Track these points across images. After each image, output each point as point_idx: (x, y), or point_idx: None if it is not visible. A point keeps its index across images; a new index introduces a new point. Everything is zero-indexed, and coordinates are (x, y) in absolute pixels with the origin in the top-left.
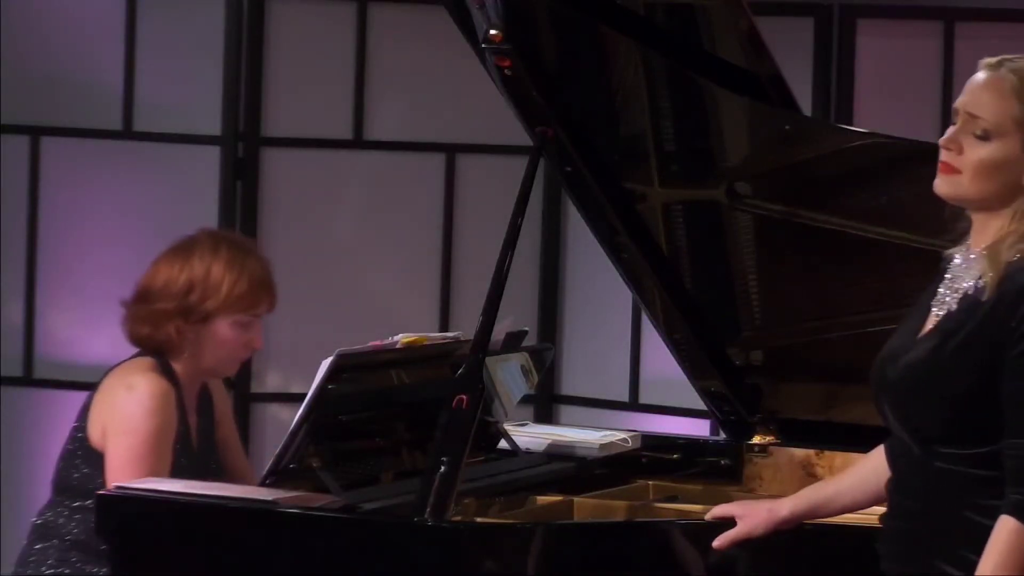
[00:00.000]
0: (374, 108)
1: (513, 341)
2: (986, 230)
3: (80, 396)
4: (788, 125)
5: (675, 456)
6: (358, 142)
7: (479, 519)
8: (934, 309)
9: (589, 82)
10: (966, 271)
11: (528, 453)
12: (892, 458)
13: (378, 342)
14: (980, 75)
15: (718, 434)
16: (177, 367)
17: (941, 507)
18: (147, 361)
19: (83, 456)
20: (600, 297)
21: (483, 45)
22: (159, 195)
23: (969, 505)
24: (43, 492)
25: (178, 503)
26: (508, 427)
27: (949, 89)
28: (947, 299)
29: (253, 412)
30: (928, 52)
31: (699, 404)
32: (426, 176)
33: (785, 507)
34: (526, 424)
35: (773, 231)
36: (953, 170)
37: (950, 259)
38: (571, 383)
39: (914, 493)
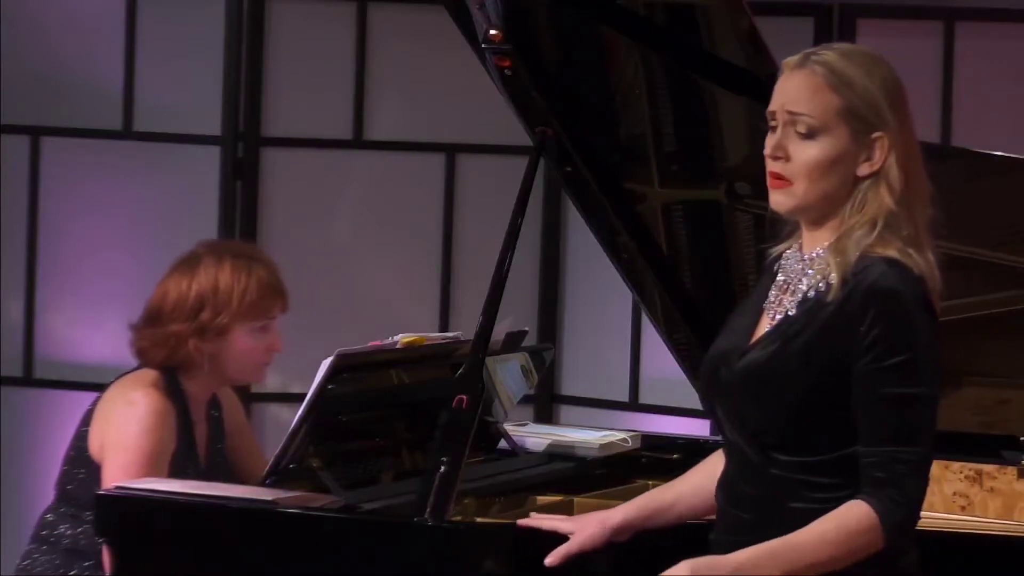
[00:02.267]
0: (374, 108)
1: (513, 341)
2: (821, 229)
3: (80, 396)
4: None
5: (675, 456)
6: (358, 142)
7: (479, 519)
8: (769, 311)
9: (589, 82)
10: (803, 272)
11: (528, 453)
12: (724, 466)
13: (378, 342)
14: (788, 75)
15: (718, 434)
16: (188, 381)
17: (777, 516)
18: (151, 375)
19: (82, 464)
20: (600, 297)
21: (483, 45)
22: (159, 195)
23: (806, 513)
24: (43, 492)
25: (178, 503)
26: (508, 427)
27: (949, 89)
28: (784, 302)
29: (253, 412)
30: (928, 52)
31: (699, 404)
32: (426, 176)
33: (618, 515)
34: (526, 424)
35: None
36: (784, 181)
37: (776, 258)
38: (571, 383)
39: (748, 502)
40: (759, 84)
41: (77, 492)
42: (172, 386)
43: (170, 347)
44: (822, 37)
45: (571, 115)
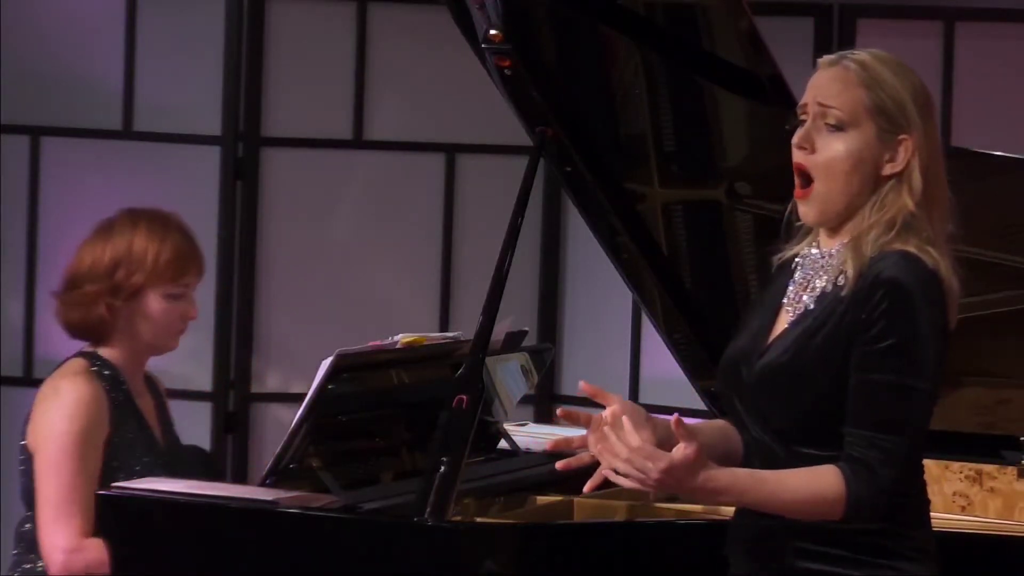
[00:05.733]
0: (374, 108)
1: (513, 341)
2: (841, 232)
3: None
4: (788, 125)
5: None
6: (358, 142)
7: (479, 519)
8: (787, 308)
9: (589, 82)
10: (822, 269)
11: (528, 453)
12: (746, 458)
13: (378, 342)
14: (821, 71)
15: None
16: (114, 355)
17: None
18: (78, 363)
19: (26, 462)
20: (600, 297)
21: (483, 45)
22: (159, 195)
23: None
24: None
25: (178, 503)
26: (508, 427)
27: (949, 89)
28: (803, 298)
29: (253, 412)
30: (928, 52)
31: (699, 404)
32: (426, 176)
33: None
34: (526, 424)
35: (773, 231)
36: (807, 178)
37: (792, 257)
38: (571, 383)
39: None
40: (759, 84)
41: (29, 490)
42: (99, 368)
43: (85, 308)
44: (822, 37)
45: (571, 115)
